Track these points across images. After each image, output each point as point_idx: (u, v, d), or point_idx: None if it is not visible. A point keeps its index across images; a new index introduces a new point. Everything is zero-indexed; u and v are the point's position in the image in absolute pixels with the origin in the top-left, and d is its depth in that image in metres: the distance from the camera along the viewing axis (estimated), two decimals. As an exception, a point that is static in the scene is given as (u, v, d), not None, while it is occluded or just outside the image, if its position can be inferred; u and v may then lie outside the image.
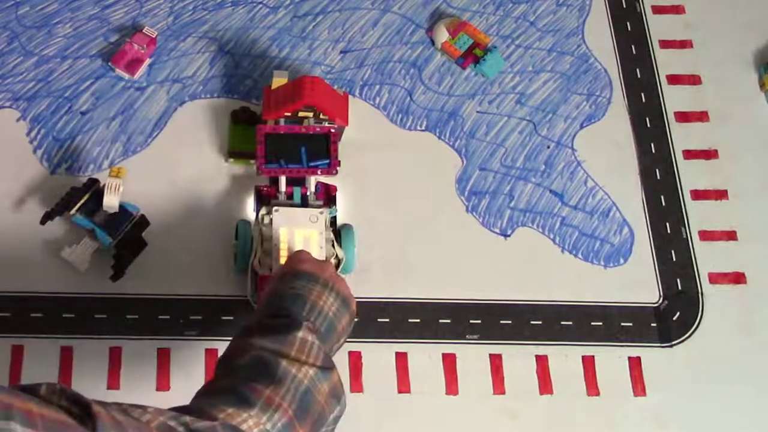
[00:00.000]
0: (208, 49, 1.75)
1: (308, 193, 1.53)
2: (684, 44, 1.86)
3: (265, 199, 1.54)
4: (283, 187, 1.53)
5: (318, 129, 1.52)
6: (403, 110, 1.73)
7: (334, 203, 1.55)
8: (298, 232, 1.47)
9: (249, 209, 1.58)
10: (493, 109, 1.76)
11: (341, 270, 1.48)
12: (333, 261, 1.47)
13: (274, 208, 1.49)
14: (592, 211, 1.68)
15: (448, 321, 1.55)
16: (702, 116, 1.79)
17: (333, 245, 1.48)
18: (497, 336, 1.55)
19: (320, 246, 1.46)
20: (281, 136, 1.52)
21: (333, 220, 1.54)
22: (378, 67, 1.77)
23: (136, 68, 1.69)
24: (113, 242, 1.48)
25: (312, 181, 1.53)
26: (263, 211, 1.50)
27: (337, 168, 1.52)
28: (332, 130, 1.53)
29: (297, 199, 1.53)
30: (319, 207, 1.51)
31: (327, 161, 1.51)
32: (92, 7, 1.76)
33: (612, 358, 1.55)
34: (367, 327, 1.53)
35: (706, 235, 1.67)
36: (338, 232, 1.52)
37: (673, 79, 1.82)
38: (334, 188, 1.56)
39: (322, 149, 1.52)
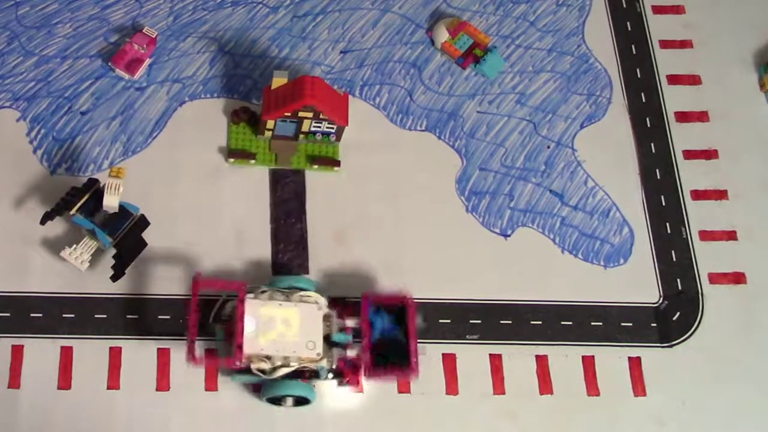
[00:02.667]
0: (208, 49, 1.75)
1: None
2: (684, 44, 1.86)
3: None
4: None
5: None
6: (403, 110, 1.73)
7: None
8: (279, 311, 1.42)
9: (249, 212, 1.59)
10: (493, 109, 1.76)
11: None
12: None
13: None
14: (592, 211, 1.68)
15: (448, 321, 1.55)
16: (702, 116, 1.79)
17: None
18: (497, 336, 1.55)
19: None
20: None
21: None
22: (378, 67, 1.77)
23: (136, 68, 1.69)
24: (113, 242, 1.48)
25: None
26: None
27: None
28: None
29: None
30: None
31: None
32: (92, 7, 1.76)
33: (612, 358, 1.55)
34: (367, 327, 1.53)
35: (706, 235, 1.67)
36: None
37: (673, 79, 1.82)
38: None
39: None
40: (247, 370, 1.40)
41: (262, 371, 1.39)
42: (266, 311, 1.41)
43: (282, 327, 1.40)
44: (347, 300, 1.51)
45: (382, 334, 1.45)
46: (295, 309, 1.42)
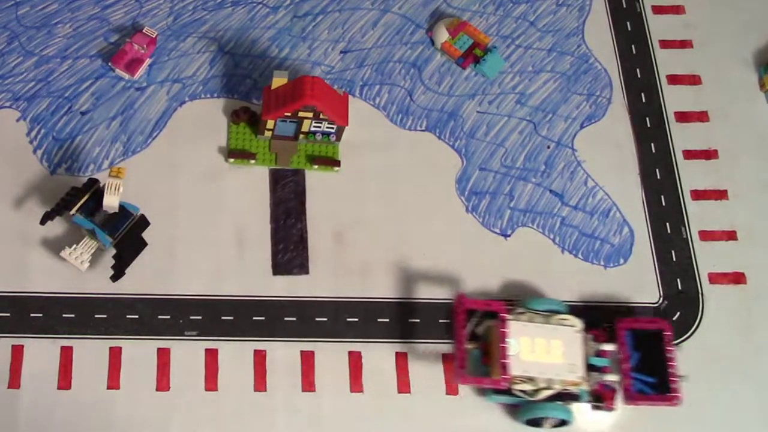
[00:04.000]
0: (208, 49, 1.75)
1: None
2: (684, 44, 1.86)
3: None
4: None
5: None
6: (403, 110, 1.73)
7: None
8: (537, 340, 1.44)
9: (249, 212, 1.59)
10: (493, 109, 1.76)
11: None
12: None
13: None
14: (592, 211, 1.68)
15: (448, 321, 1.55)
16: (702, 116, 1.79)
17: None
18: (497, 336, 1.55)
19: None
20: None
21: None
22: (378, 67, 1.77)
23: (136, 68, 1.69)
24: (113, 242, 1.48)
25: None
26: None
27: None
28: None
29: None
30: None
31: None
32: (92, 7, 1.76)
33: (612, 358, 1.55)
34: (367, 327, 1.53)
35: (706, 235, 1.67)
36: None
37: (673, 79, 1.82)
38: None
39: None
40: (506, 391, 1.41)
41: (524, 392, 1.41)
42: (528, 332, 1.43)
43: (544, 349, 1.42)
44: (604, 324, 1.51)
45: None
46: (556, 332, 1.44)
